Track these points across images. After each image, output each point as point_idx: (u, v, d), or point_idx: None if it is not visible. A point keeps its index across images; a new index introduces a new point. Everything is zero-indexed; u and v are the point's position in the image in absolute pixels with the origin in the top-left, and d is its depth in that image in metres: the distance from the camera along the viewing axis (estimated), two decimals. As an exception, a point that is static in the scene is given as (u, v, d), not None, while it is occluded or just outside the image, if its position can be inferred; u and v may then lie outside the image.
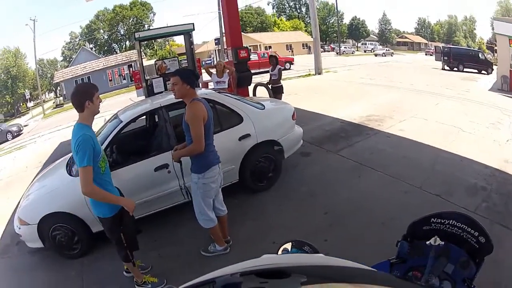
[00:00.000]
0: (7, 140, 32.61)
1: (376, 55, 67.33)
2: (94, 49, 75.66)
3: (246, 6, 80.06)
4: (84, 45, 71.68)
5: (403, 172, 8.55)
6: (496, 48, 40.17)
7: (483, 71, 41.05)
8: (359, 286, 1.40)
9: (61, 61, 78.45)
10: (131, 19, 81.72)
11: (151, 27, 77.12)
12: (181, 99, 5.03)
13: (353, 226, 6.06)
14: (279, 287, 1.43)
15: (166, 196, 6.52)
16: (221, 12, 44.20)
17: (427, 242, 2.73)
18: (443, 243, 2.70)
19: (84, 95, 4.27)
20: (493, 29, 46.09)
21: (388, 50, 75.89)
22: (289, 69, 42.82)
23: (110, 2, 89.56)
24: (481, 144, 11.47)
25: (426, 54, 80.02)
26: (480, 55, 45.49)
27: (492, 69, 40.15)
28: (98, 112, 4.44)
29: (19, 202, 7.19)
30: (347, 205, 6.87)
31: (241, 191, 7.41)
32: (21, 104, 64.69)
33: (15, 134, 34.24)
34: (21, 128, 36.49)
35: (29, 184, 8.06)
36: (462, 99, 19.75)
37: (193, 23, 13.97)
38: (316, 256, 2.15)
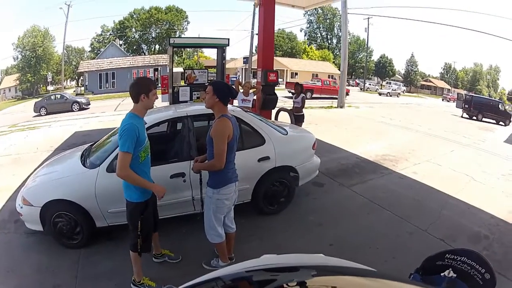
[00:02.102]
0: (72, 111, 33.44)
1: (380, 94, 64.56)
2: (123, 46, 75.94)
3: (279, 29, 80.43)
4: (114, 41, 71.87)
5: (411, 214, 8.64)
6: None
7: (500, 122, 41.45)
8: (367, 279, 1.49)
9: (89, 51, 78.69)
10: (165, 23, 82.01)
11: (182, 35, 77.78)
12: (210, 112, 5.12)
13: (356, 261, 6.06)
14: (292, 278, 1.55)
15: (177, 204, 6.54)
16: (254, 32, 45.09)
17: (442, 274, 2.97)
18: (455, 275, 2.94)
19: (142, 88, 4.61)
20: (517, 80, 45.94)
21: (395, 90, 72.32)
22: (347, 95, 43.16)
23: (149, 2, 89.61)
24: (490, 194, 11.58)
25: (443, 100, 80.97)
26: (500, 106, 45.70)
27: (510, 121, 41.29)
28: (152, 107, 4.83)
29: (24, 181, 7.40)
30: (353, 240, 6.93)
31: (250, 212, 7.47)
32: (41, 86, 64.90)
33: (83, 106, 35.01)
34: (89, 102, 37.05)
35: (38, 166, 8.30)
36: (477, 149, 19.85)
37: (228, 39, 14.07)
38: (316, 256, 2.44)
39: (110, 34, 78.69)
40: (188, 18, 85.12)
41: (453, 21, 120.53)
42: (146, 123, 4.93)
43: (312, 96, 42.11)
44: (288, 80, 60.14)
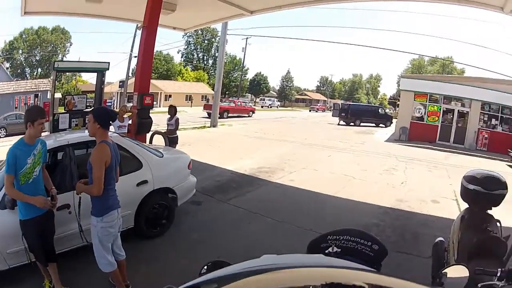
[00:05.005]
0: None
1: (262, 106, 73.07)
2: (9, 69, 71.49)
3: (157, 51, 79.48)
4: (2, 63, 67.67)
5: (293, 218, 9.12)
6: (398, 102, 42.44)
7: (381, 125, 44.56)
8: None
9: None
10: (50, 45, 78.75)
11: (65, 58, 74.96)
12: (91, 139, 5.25)
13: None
14: None
15: (66, 239, 6.12)
16: (133, 54, 44.14)
17: (326, 251, 3.09)
18: (339, 250, 3.08)
19: (29, 117, 4.84)
20: (399, 85, 48.54)
21: (274, 102, 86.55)
22: (250, 116, 49.35)
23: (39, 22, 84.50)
24: (373, 188, 12.61)
25: (310, 111, 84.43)
26: (379, 110, 49.68)
27: (391, 122, 44.20)
28: (38, 136, 5.02)
29: None
30: (239, 249, 7.13)
31: (134, 237, 7.41)
32: None
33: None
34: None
35: None
36: (356, 151, 21.23)
37: (108, 63, 13.74)
38: (316, 256, 2.53)
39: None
40: (72, 39, 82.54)
41: (333, 37, 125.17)
42: None
43: (228, 115, 44.99)
44: (163, 103, 60.93)
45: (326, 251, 3.10)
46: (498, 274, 3.11)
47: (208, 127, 31.02)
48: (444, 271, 2.79)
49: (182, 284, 1.79)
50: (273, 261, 2.09)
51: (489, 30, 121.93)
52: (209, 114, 35.84)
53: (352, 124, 44.64)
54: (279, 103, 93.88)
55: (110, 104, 47.41)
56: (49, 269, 5.35)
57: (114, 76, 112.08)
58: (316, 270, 1.85)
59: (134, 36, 42.60)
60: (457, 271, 2.77)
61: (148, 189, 7.48)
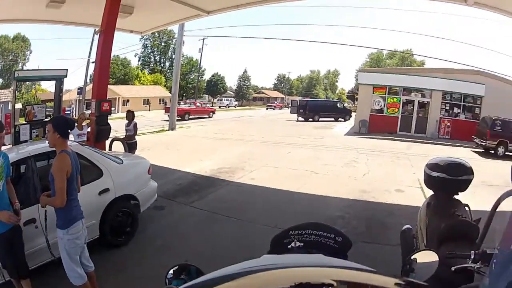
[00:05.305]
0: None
1: (219, 107, 73.32)
2: None
3: (114, 56, 78.43)
4: None
5: (257, 216, 9.18)
6: (357, 96, 42.83)
7: (340, 119, 45.00)
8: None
9: None
10: (10, 53, 76.82)
11: (25, 67, 73.47)
12: (53, 149, 5.06)
13: (211, 268, 6.28)
14: None
15: (35, 254, 5.86)
16: (90, 60, 43.24)
17: (289, 246, 3.04)
18: (302, 244, 3.03)
19: None
20: (357, 80, 48.96)
21: (231, 102, 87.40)
22: (211, 117, 49.88)
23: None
24: (336, 182, 12.73)
25: (267, 109, 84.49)
26: (338, 105, 50.33)
27: (351, 116, 44.62)
28: None
29: None
30: (206, 250, 7.21)
31: (101, 247, 7.25)
32: None
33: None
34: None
35: None
36: (315, 146, 21.43)
37: (66, 69, 13.50)
38: (315, 256, 2.45)
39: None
40: (31, 47, 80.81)
41: (291, 34, 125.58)
42: None
43: (190, 117, 45.50)
44: (121, 108, 60.44)
45: (289, 246, 3.09)
46: (472, 257, 3.13)
47: (167, 130, 30.82)
48: (413, 257, 2.83)
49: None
50: (272, 261, 2.04)
51: (451, 21, 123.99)
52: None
53: (310, 120, 44.82)
54: (236, 102, 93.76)
55: (69, 112, 46.59)
56: (23, 285, 5.22)
57: (73, 83, 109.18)
58: (315, 270, 1.87)
59: (92, 41, 41.45)
60: (426, 256, 2.82)
61: (110, 197, 7.38)
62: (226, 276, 1.74)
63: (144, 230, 8.36)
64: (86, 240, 5.35)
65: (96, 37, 17.67)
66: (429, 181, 5.39)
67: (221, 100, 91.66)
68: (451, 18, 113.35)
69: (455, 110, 32.04)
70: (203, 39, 70.30)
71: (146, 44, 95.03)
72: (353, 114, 44.18)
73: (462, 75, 31.07)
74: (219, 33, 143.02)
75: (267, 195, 11.45)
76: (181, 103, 50.33)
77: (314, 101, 56.50)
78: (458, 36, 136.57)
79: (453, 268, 3.20)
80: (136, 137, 13.90)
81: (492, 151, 23.71)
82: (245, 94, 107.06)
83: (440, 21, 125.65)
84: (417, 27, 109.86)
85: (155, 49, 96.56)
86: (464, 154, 20.35)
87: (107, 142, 13.91)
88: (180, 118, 40.40)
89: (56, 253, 5.33)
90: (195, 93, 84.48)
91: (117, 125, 17.40)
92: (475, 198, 6.24)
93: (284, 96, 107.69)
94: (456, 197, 5.23)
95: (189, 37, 63.12)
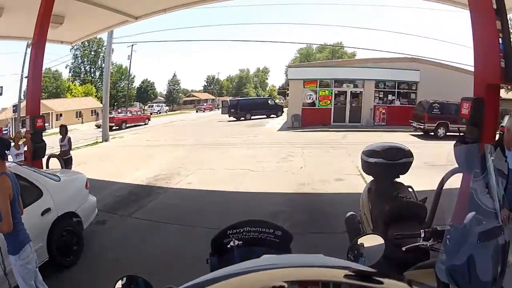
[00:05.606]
0: None
1: (151, 113, 71.14)
2: None
3: (46, 69, 76.46)
4: None
5: (198, 220, 9.15)
6: (288, 92, 43.17)
7: (272, 115, 45.40)
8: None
9: None
10: None
11: None
12: None
13: (163, 281, 6.15)
14: None
15: None
16: (24, 75, 41.99)
17: (228, 246, 3.08)
18: (241, 242, 3.08)
19: None
20: (287, 76, 49.33)
21: (162, 108, 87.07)
22: (147, 124, 50.12)
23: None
24: (273, 177, 12.90)
25: (197, 112, 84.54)
26: (269, 102, 50.70)
27: (283, 112, 45.14)
28: None
29: None
30: (153, 262, 7.07)
31: (52, 269, 6.88)
32: None
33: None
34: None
35: None
36: (249, 144, 21.74)
37: (2, 87, 13.18)
38: (315, 256, 2.34)
39: None
40: None
41: (221, 35, 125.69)
42: None
43: (127, 126, 45.73)
44: (55, 123, 58.87)
45: (228, 246, 3.13)
46: (423, 235, 3.16)
47: (100, 142, 29.95)
48: (359, 242, 2.82)
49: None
50: (272, 261, 2.07)
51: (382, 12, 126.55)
52: (109, 127, 34.54)
53: (243, 118, 45.06)
54: (167, 108, 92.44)
55: (6, 132, 44.87)
56: None
57: (9, 101, 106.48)
58: (312, 270, 1.89)
59: (25, 55, 40.03)
60: (371, 240, 2.85)
61: (53, 216, 7.07)
62: (226, 276, 1.76)
63: (90, 247, 8.12)
64: (37, 264, 5.17)
65: (29, 50, 17.22)
66: (368, 167, 5.59)
67: (152, 106, 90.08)
68: (382, 8, 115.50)
69: (390, 97, 33.31)
70: (132, 45, 70.01)
71: (77, 55, 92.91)
72: (285, 109, 44.71)
73: (397, 63, 32.37)
74: (147, 38, 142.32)
75: (206, 198, 11.43)
76: (113, 112, 49.93)
77: (245, 100, 56.42)
78: (392, 26, 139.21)
79: (403, 248, 3.21)
80: (71, 151, 13.58)
81: (432, 133, 24.98)
82: (176, 99, 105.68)
83: (371, 12, 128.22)
84: (348, 20, 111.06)
85: (85, 59, 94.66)
86: (403, 138, 21.04)
87: (44, 160, 13.38)
88: (118, 127, 41.92)
89: (12, 281, 5.14)
90: (126, 101, 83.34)
91: (52, 141, 16.95)
92: (420, 179, 6.36)
93: (214, 97, 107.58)
94: (399, 180, 5.28)
95: (118, 44, 62.63)
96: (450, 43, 77.53)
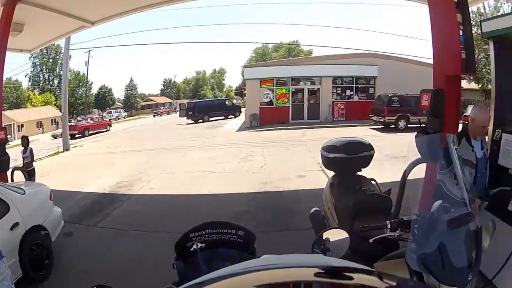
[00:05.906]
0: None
1: (109, 119, 69.50)
2: None
3: (6, 78, 74.74)
4: None
5: (162, 225, 9.14)
6: (245, 92, 43.21)
7: (230, 116, 45.45)
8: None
9: None
10: None
11: None
12: None
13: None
14: None
15: None
16: None
17: (191, 249, 3.13)
18: (203, 245, 3.13)
19: None
20: (243, 76, 49.43)
21: (120, 113, 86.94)
22: (108, 130, 50.25)
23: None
24: (234, 178, 13.07)
25: (154, 116, 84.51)
26: (226, 102, 50.89)
27: (240, 112, 45.38)
28: None
29: None
30: (122, 269, 7.09)
31: (26, 285, 6.79)
32: None
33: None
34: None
35: None
36: (208, 146, 21.82)
37: None
38: (315, 256, 2.45)
39: None
40: None
41: (176, 38, 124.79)
42: None
43: (89, 133, 45.18)
44: (17, 135, 57.76)
45: (191, 249, 3.18)
46: (389, 226, 3.20)
47: (62, 152, 29.33)
48: (324, 236, 2.86)
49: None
50: (272, 261, 2.05)
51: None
52: (72, 135, 34.49)
53: (201, 120, 44.94)
54: (125, 113, 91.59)
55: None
56: None
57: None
58: (280, 271, 1.86)
59: None
60: (336, 234, 2.88)
61: (21, 231, 6.97)
62: (226, 275, 1.77)
63: (61, 259, 8.02)
64: (12, 281, 5.06)
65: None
66: (328, 162, 5.75)
67: (110, 112, 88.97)
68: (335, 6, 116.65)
69: (348, 92, 33.86)
70: (89, 51, 69.22)
71: (35, 63, 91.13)
72: (243, 109, 44.99)
73: (355, 59, 32.85)
74: (104, 43, 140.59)
75: (169, 202, 11.47)
76: (72, 120, 49.34)
77: (202, 102, 56.69)
78: (348, 22, 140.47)
79: (371, 240, 3.27)
80: (34, 163, 13.44)
81: (393, 126, 25.59)
82: (133, 104, 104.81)
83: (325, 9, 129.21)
84: (304, 18, 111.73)
85: (44, 67, 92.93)
86: (363, 132, 21.49)
87: (8, 173, 13.08)
88: (80, 135, 42.06)
89: None
90: (85, 108, 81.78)
91: (15, 153, 16.62)
92: (382, 172, 6.40)
93: (172, 101, 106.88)
94: (361, 173, 5.31)
95: (75, 51, 61.76)
96: (406, 37, 79.01)
